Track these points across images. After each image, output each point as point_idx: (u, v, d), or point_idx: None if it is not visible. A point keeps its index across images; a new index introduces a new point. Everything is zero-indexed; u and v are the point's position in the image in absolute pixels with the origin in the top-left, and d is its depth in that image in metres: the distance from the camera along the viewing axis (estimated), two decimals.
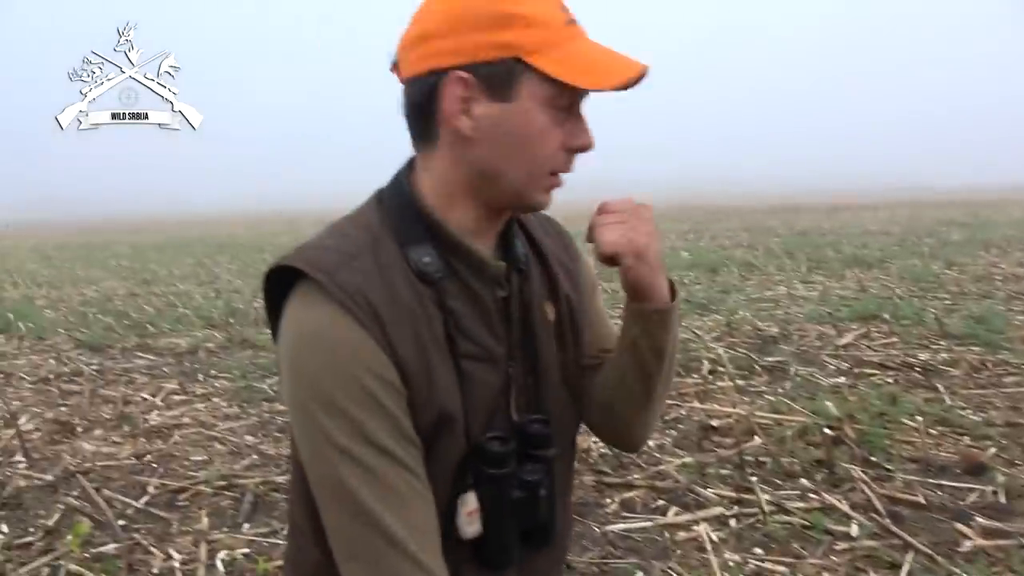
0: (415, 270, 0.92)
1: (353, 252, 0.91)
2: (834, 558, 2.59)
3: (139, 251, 22.52)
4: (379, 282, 0.90)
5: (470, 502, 0.97)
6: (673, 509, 3.03)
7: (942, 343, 5.35)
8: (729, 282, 9.50)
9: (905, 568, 2.46)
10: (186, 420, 4.55)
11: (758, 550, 2.69)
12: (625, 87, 0.88)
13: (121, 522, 3.14)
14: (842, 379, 4.67)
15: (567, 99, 0.89)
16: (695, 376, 4.89)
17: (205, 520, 3.09)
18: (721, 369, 4.87)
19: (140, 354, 6.52)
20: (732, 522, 2.90)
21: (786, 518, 2.87)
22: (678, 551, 2.72)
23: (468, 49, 0.86)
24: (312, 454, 0.90)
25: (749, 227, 21.66)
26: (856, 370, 4.89)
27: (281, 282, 0.94)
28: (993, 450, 3.42)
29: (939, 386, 4.40)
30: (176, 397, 5.08)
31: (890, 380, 4.55)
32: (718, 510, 2.97)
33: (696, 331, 6.26)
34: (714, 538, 2.76)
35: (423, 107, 0.91)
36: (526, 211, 1.00)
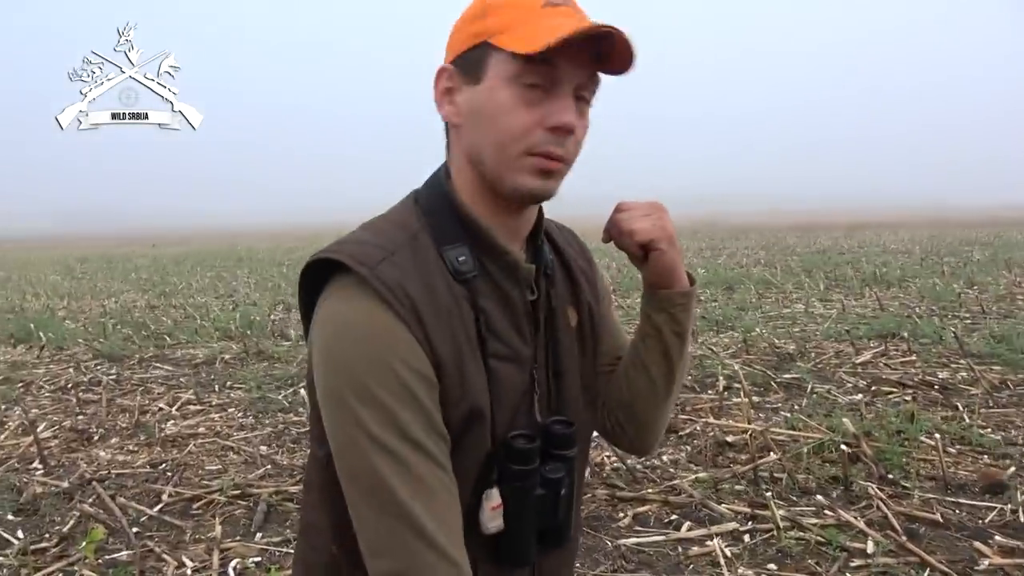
0: (451, 269, 0.94)
1: (392, 248, 0.93)
2: (850, 574, 2.55)
3: (159, 264, 22.78)
4: (418, 279, 0.92)
5: (494, 497, 0.98)
6: (687, 524, 3.00)
7: (962, 362, 5.28)
8: (746, 300, 9.45)
9: None
10: (201, 430, 4.58)
11: (772, 566, 2.66)
12: (555, 44, 0.84)
13: (135, 529, 3.16)
14: (859, 396, 4.62)
15: (537, 76, 0.88)
16: (711, 392, 4.86)
17: (218, 528, 3.10)
18: (737, 385, 4.83)
19: (158, 364, 6.58)
20: (746, 537, 2.87)
21: (801, 534, 2.84)
22: (691, 566, 2.69)
23: (456, 45, 0.93)
24: (344, 444, 0.90)
25: (767, 245, 21.55)
26: (874, 388, 4.84)
27: (317, 277, 0.95)
28: (1012, 469, 3.37)
29: (958, 404, 4.35)
30: (192, 407, 5.12)
31: (908, 398, 4.50)
32: (732, 525, 2.94)
33: (712, 348, 6.23)
34: (728, 553, 2.73)
35: (438, 107, 0.96)
36: (516, 197, 0.96)
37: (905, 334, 6.27)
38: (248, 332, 8.00)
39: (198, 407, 5.10)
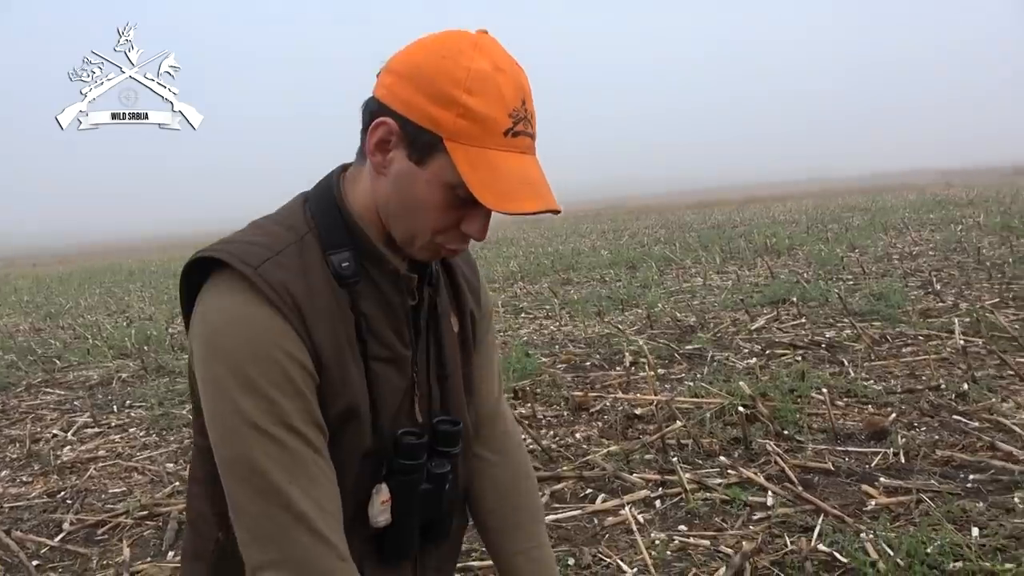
0: (334, 273, 0.97)
1: (278, 249, 0.96)
2: (752, 527, 2.71)
3: (42, 283, 21.40)
4: (301, 279, 0.94)
5: (384, 492, 1.03)
6: (601, 496, 3.11)
7: (846, 321, 5.64)
8: (648, 277, 9.76)
9: (817, 530, 2.60)
10: (102, 452, 4.37)
11: (682, 527, 2.79)
12: (516, 213, 0.89)
13: (36, 562, 3.01)
14: (755, 360, 4.88)
15: (467, 193, 0.90)
16: (618, 368, 5.02)
17: (127, 551, 2.99)
18: (643, 360, 5.01)
19: (48, 390, 6.22)
20: (657, 503, 3.00)
21: (707, 495, 2.99)
22: (607, 535, 2.79)
23: (410, 104, 0.90)
24: (224, 433, 0.92)
25: (666, 223, 22.27)
26: (768, 351, 5.12)
27: (198, 275, 0.97)
28: (893, 415, 3.64)
29: (844, 360, 4.65)
30: (89, 430, 4.87)
31: (799, 358, 4.78)
32: (643, 493, 3.07)
33: (618, 326, 6.42)
34: (640, 520, 2.85)
35: (364, 125, 0.96)
36: (411, 256, 1.02)
37: (795, 299, 6.64)
38: (146, 348, 7.66)
39: (96, 430, 4.86)
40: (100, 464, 4.17)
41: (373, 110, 0.94)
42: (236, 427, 0.90)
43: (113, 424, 4.97)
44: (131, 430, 4.81)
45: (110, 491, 3.76)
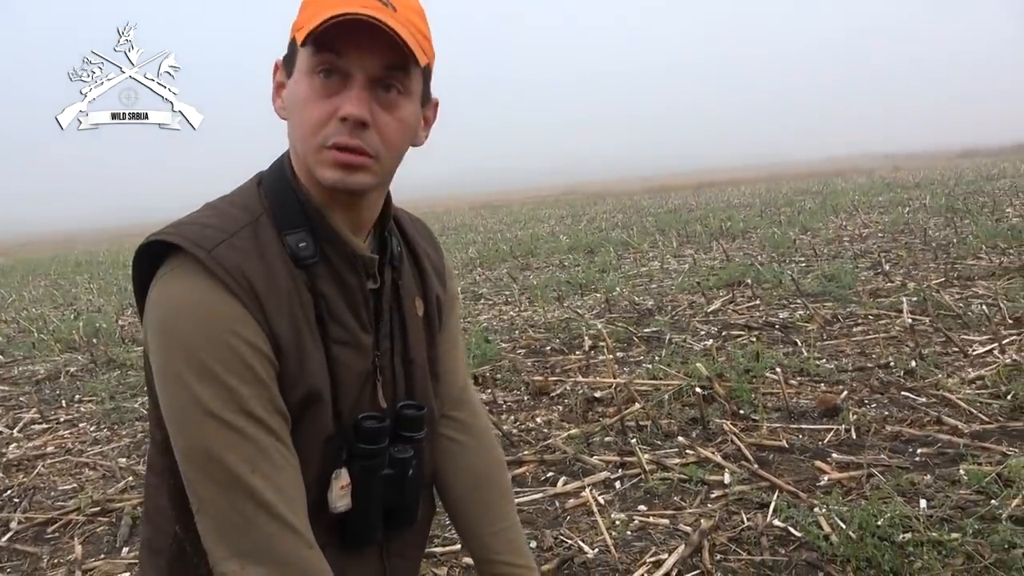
0: (291, 254, 0.94)
1: (232, 230, 0.92)
2: (710, 505, 2.76)
3: None
4: (257, 261, 0.91)
5: (343, 477, 1.01)
6: (562, 479, 3.13)
7: (799, 302, 5.76)
8: (607, 261, 9.82)
9: (772, 506, 2.66)
10: (50, 449, 4.25)
11: (642, 507, 2.83)
12: (324, 23, 0.86)
13: None
14: (711, 342, 4.95)
15: (325, 64, 0.90)
16: (578, 353, 5.04)
17: (79, 549, 2.91)
18: (602, 344, 5.04)
19: None
20: (617, 484, 3.03)
21: (666, 474, 3.03)
22: (568, 517, 2.82)
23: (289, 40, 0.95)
24: (183, 423, 0.89)
25: (623, 208, 22.43)
26: (724, 333, 5.20)
27: (151, 259, 0.94)
28: (845, 393, 3.74)
29: (797, 340, 4.76)
30: (37, 426, 4.73)
31: (754, 339, 4.87)
32: (604, 475, 3.10)
33: (577, 310, 6.45)
34: (601, 501, 2.88)
35: None
36: (327, 189, 0.96)
37: (749, 281, 6.76)
38: (95, 341, 7.45)
39: (44, 426, 4.72)
40: (49, 461, 4.05)
41: None
42: (194, 416, 0.88)
43: (62, 419, 4.83)
44: (81, 425, 4.67)
45: (60, 488, 3.66)
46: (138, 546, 2.90)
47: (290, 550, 0.90)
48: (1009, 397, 3.43)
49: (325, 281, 0.97)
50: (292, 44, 0.94)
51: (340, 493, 1.01)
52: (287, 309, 0.93)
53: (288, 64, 0.96)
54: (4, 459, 4.10)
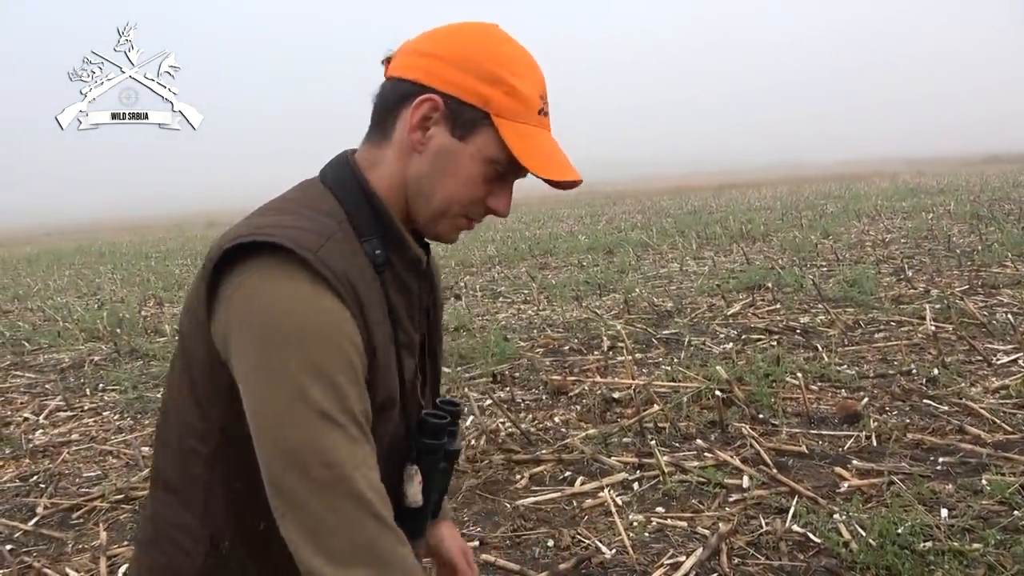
0: (370, 259, 0.97)
1: (328, 235, 0.93)
2: (728, 509, 2.76)
3: (8, 265, 20.97)
4: (353, 266, 0.93)
5: (417, 472, 1.05)
6: (580, 479, 3.13)
7: (820, 307, 5.72)
8: (626, 262, 9.81)
9: (791, 512, 2.65)
10: (75, 436, 4.32)
11: (660, 508, 2.83)
12: (557, 185, 0.98)
13: (9, 546, 2.97)
14: (731, 345, 4.94)
15: (505, 168, 0.97)
16: (596, 353, 5.05)
17: (103, 535, 2.96)
18: (620, 344, 5.05)
19: (18, 372, 6.12)
20: (635, 485, 3.04)
21: (684, 477, 3.03)
22: (586, 517, 2.83)
23: (455, 83, 0.95)
24: (285, 421, 0.86)
25: (642, 209, 22.37)
26: (744, 336, 5.18)
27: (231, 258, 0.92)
28: (866, 399, 3.71)
29: (818, 345, 4.73)
30: (62, 414, 4.81)
31: (774, 343, 4.84)
32: (622, 476, 3.10)
33: (595, 310, 6.45)
34: (619, 502, 2.88)
35: (393, 105, 0.98)
36: (429, 237, 1.05)
37: (770, 284, 6.72)
38: (118, 331, 7.55)
39: (69, 413, 4.80)
40: (74, 448, 4.12)
41: (407, 91, 0.96)
42: (301, 414, 0.86)
43: (86, 408, 4.90)
44: (105, 414, 4.75)
45: (84, 475, 3.72)
46: None
47: (391, 549, 0.89)
48: None
49: (391, 287, 0.99)
50: (475, 112, 0.95)
51: (416, 489, 1.03)
52: (379, 314, 0.96)
53: (462, 127, 0.96)
54: (30, 445, 4.18)
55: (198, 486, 0.97)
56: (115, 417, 4.66)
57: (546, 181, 0.97)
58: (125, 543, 2.94)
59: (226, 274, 0.91)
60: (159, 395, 4.95)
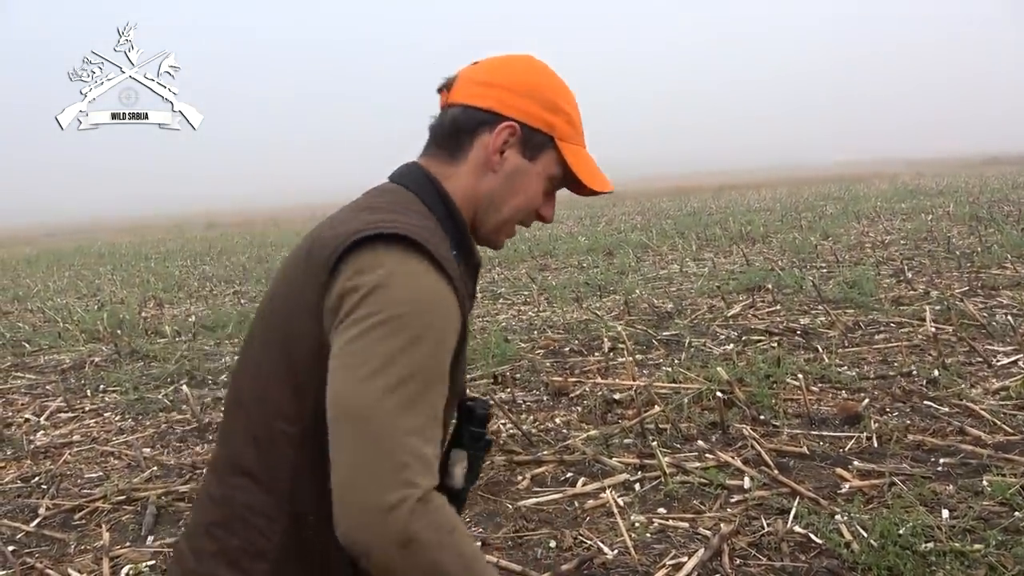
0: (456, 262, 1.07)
1: (435, 233, 1.05)
2: (730, 509, 2.77)
3: (7, 265, 20.96)
4: (456, 265, 1.04)
5: (464, 458, 1.13)
6: (581, 480, 3.14)
7: (820, 308, 5.73)
8: (626, 263, 9.81)
9: (792, 512, 2.66)
10: (76, 437, 4.33)
11: (661, 509, 2.84)
12: (597, 193, 1.16)
13: (11, 547, 2.98)
14: (731, 346, 4.94)
15: (560, 183, 1.16)
16: (597, 354, 5.06)
17: (106, 536, 2.97)
18: (621, 346, 5.05)
19: (18, 374, 6.12)
20: (637, 486, 3.04)
21: (685, 478, 3.04)
22: (588, 518, 2.83)
23: (526, 111, 1.11)
24: (395, 378, 0.91)
25: (642, 210, 22.37)
26: (744, 337, 5.19)
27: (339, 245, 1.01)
28: (867, 401, 3.72)
29: (818, 347, 4.73)
30: (63, 415, 4.81)
31: (775, 344, 4.85)
32: (623, 476, 3.11)
33: (596, 312, 6.46)
34: (620, 503, 2.89)
35: (468, 130, 1.11)
36: (485, 243, 1.18)
37: (770, 286, 6.73)
38: (119, 332, 7.56)
39: (70, 414, 4.81)
40: (75, 449, 4.12)
41: (483, 119, 1.10)
42: (427, 370, 0.94)
43: (87, 409, 4.91)
44: (106, 414, 4.75)
45: (86, 476, 3.73)
46: (163, 536, 2.96)
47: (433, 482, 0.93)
48: None
49: (460, 287, 1.07)
50: (543, 137, 1.11)
51: (461, 472, 1.11)
52: (467, 311, 1.06)
53: (532, 149, 1.12)
54: (32, 446, 4.18)
55: (284, 467, 1.03)
56: (116, 418, 4.66)
57: (593, 193, 1.15)
58: (127, 544, 2.95)
59: (343, 261, 0.99)
60: (160, 396, 4.96)
